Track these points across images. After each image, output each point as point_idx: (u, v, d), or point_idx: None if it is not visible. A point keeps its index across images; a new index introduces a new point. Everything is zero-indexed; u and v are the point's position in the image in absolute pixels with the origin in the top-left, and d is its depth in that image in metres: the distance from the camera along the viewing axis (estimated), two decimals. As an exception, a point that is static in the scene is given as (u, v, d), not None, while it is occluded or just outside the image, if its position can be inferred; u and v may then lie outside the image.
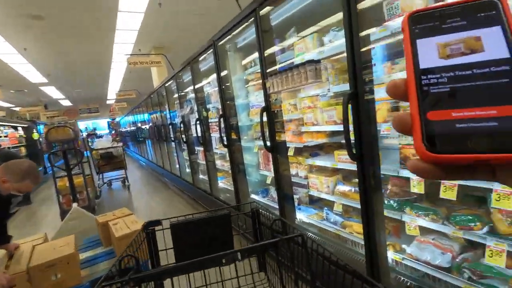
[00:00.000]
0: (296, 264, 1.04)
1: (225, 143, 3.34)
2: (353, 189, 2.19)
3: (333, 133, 2.77)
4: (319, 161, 2.47)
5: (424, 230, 1.75)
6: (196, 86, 4.03)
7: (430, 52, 0.25)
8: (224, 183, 4.30)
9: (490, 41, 0.23)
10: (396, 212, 1.83)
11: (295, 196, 2.75)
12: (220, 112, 3.78)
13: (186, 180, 5.47)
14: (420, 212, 1.70)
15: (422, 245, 1.68)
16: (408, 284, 1.62)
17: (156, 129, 7.44)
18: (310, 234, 2.44)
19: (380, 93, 1.68)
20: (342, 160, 2.21)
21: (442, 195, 1.55)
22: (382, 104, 1.77)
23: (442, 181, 1.54)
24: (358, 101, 1.60)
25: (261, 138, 3.26)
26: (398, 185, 1.92)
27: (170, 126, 5.70)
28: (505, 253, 1.35)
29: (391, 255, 1.80)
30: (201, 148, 4.90)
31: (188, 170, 6.01)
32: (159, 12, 5.69)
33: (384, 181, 1.92)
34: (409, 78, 0.25)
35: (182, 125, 4.77)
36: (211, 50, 3.20)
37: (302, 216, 2.67)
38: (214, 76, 3.87)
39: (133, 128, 14.10)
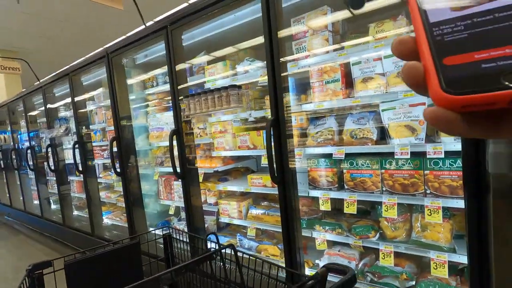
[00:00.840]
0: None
1: (118, 170, 2.85)
2: (266, 212, 2.26)
3: (243, 158, 2.83)
4: (231, 186, 2.44)
5: (330, 243, 1.96)
6: (76, 102, 3.33)
7: (441, 6, 0.24)
8: (111, 218, 3.61)
9: None
10: (306, 230, 1.98)
11: (205, 225, 2.59)
12: (110, 134, 3.24)
13: (51, 220, 4.28)
14: (327, 227, 1.91)
15: (332, 257, 1.87)
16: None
17: (2, 155, 5.62)
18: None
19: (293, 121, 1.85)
20: (255, 184, 2.26)
21: (345, 210, 1.79)
22: (295, 130, 1.94)
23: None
24: (279, 127, 1.70)
25: (160, 164, 2.98)
26: (307, 205, 2.11)
27: (28, 151, 4.42)
28: (393, 254, 1.67)
29: (307, 271, 1.91)
30: (77, 178, 4.01)
31: (55, 206, 4.76)
32: (16, 9, 4.54)
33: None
34: (419, 32, 0.24)
35: (49, 149, 3.79)
36: (103, 62, 2.76)
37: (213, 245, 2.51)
38: (100, 91, 3.33)
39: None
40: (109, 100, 2.87)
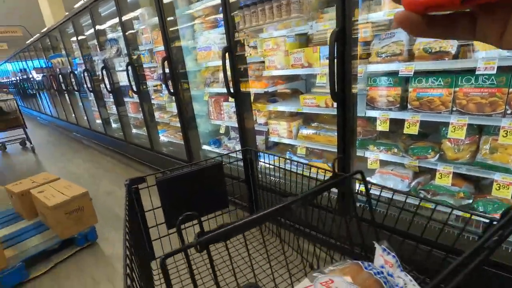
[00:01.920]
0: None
1: (172, 90, 2.97)
2: (317, 132, 2.29)
3: (291, 79, 2.75)
4: (282, 107, 2.45)
5: (382, 163, 1.99)
6: (124, 22, 3.31)
7: None
8: (166, 136, 3.95)
9: None
10: (359, 150, 2.00)
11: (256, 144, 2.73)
12: (158, 55, 3.27)
13: (114, 137, 4.81)
14: (382, 148, 1.91)
15: (384, 175, 1.92)
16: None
17: (62, 78, 6.08)
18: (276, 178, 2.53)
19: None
20: (308, 104, 2.24)
21: (405, 131, 1.74)
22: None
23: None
24: (345, 40, 1.57)
25: (210, 85, 3.02)
26: (361, 125, 2.08)
27: (85, 73, 4.71)
28: (451, 175, 1.65)
29: (357, 187, 2.01)
30: (132, 99, 4.29)
31: (115, 125, 5.28)
32: None
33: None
34: None
35: (104, 72, 3.99)
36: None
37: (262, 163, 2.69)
38: (142, 10, 3.24)
39: (20, 77, 11.23)
40: (156, 19, 2.80)
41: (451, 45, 1.52)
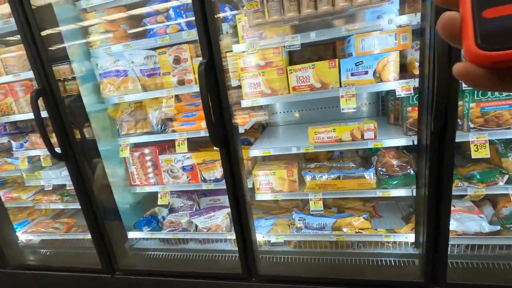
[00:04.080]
0: None
1: (59, 151, 1.59)
2: (339, 176, 1.65)
3: (258, 108, 2.04)
4: (278, 149, 1.67)
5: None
6: None
7: None
8: (35, 231, 2.22)
9: None
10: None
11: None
12: (34, 85, 1.81)
13: None
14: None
15: (456, 215, 1.49)
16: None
17: None
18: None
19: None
20: (323, 141, 1.59)
21: (474, 155, 1.39)
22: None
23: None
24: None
25: (130, 129, 1.84)
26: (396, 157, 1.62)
27: None
28: (528, 196, 1.41)
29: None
30: None
31: None
32: None
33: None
34: None
35: None
36: None
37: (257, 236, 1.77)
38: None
39: None
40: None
41: None
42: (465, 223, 1.43)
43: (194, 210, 1.99)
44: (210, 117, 1.23)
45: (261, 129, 2.24)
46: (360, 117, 2.10)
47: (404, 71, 1.53)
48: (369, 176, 1.60)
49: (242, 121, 1.67)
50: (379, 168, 1.63)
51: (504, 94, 1.35)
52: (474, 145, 1.39)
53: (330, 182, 1.66)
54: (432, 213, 1.31)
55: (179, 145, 1.75)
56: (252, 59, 1.57)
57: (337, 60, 1.46)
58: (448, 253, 1.43)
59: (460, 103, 1.46)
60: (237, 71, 1.62)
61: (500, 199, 1.55)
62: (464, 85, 1.31)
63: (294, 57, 1.85)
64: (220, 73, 1.26)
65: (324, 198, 1.70)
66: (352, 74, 1.46)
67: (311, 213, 1.71)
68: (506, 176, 1.45)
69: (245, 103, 1.61)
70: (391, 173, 1.60)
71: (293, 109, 2.22)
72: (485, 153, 1.38)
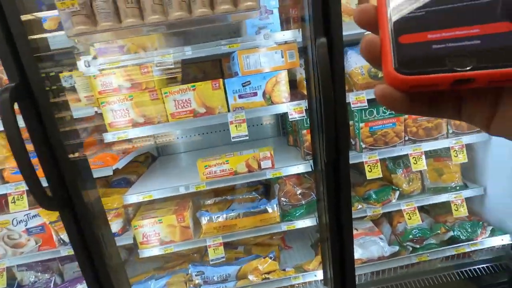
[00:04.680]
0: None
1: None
2: (238, 214, 1.41)
3: (136, 140, 1.67)
4: (160, 190, 1.32)
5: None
6: None
7: None
8: None
9: None
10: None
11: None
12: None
13: None
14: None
15: (359, 240, 1.41)
16: None
17: None
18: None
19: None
20: (216, 175, 1.33)
21: (369, 176, 1.35)
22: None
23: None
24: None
25: None
26: (298, 183, 1.48)
27: None
28: (417, 210, 1.44)
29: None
30: None
31: None
32: None
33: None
34: (381, 3, 0.22)
35: None
36: None
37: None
38: None
39: None
40: None
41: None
42: (369, 248, 1.36)
43: (52, 286, 1.44)
44: (29, 169, 0.81)
45: (149, 161, 1.85)
46: (262, 137, 1.94)
47: (295, 91, 1.42)
48: (272, 209, 1.41)
49: (107, 160, 1.26)
50: (282, 199, 1.46)
51: (388, 112, 1.35)
52: (368, 166, 1.35)
53: (229, 222, 1.40)
54: (337, 248, 1.17)
55: (14, 201, 1.22)
56: (113, 80, 1.20)
57: (221, 80, 1.23)
58: (356, 283, 1.33)
59: (351, 122, 1.42)
60: (94, 94, 1.22)
61: (394, 214, 1.57)
62: (353, 104, 1.26)
63: (178, 76, 1.55)
64: (43, 100, 0.85)
65: (226, 242, 1.42)
66: (240, 97, 1.25)
67: (210, 263, 1.40)
68: (397, 192, 1.46)
69: (110, 136, 1.22)
70: (294, 202, 1.45)
71: (192, 133, 1.91)
72: (377, 173, 1.35)
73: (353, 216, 1.32)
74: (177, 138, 1.92)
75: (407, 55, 0.20)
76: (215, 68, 1.59)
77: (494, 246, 1.40)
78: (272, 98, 1.27)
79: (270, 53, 1.25)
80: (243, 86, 1.24)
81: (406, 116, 1.37)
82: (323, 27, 0.90)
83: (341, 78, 0.96)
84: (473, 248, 1.38)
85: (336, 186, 1.10)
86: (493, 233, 1.41)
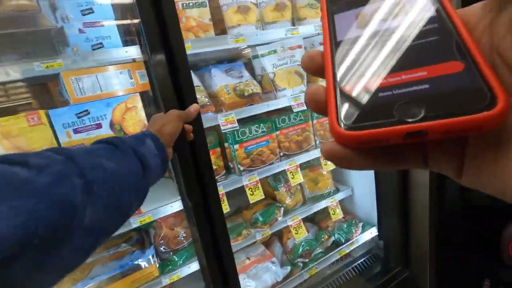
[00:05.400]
0: None
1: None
2: (95, 285, 1.06)
3: None
4: None
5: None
6: None
7: (348, 24, 0.22)
8: None
9: (409, 4, 0.21)
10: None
11: None
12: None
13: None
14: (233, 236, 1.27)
15: (250, 272, 1.28)
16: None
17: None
18: None
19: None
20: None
21: (252, 199, 1.27)
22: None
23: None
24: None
25: None
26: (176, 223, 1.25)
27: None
28: (302, 223, 1.46)
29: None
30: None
31: None
32: None
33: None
34: (325, 50, 0.22)
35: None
36: None
37: None
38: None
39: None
40: None
41: (257, 86, 1.29)
42: (262, 277, 1.27)
43: None
44: None
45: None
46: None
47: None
48: (147, 262, 1.14)
49: None
50: (159, 247, 1.20)
51: (260, 130, 1.31)
52: (249, 189, 1.26)
53: None
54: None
55: None
56: None
57: (41, 112, 0.90)
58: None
59: (226, 145, 1.31)
60: None
61: (284, 231, 1.55)
62: (222, 126, 1.14)
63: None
64: None
65: None
66: (76, 131, 0.94)
67: None
68: (282, 209, 1.44)
69: None
70: (174, 247, 1.21)
71: None
72: (259, 194, 1.28)
73: (243, 245, 1.21)
74: None
75: (353, 107, 0.18)
76: (44, 94, 1.20)
77: (366, 240, 1.54)
78: (124, 128, 1.02)
79: (114, 74, 1.00)
80: (79, 118, 0.94)
81: (278, 132, 1.36)
82: (161, 41, 0.74)
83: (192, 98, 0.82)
84: (351, 248, 1.48)
85: (211, 227, 0.94)
86: (364, 228, 1.55)
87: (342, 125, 0.17)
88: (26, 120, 0.88)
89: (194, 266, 1.20)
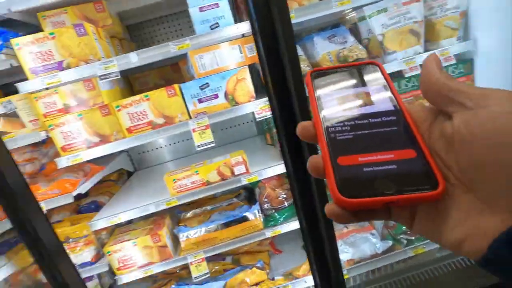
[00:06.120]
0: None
1: None
2: (216, 226, 1.31)
3: (106, 157, 1.56)
4: (129, 211, 1.23)
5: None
6: None
7: (331, 104, 0.27)
8: None
9: (377, 95, 0.27)
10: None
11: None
12: None
13: None
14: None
15: (349, 239, 1.31)
16: None
17: None
18: None
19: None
20: (186, 188, 1.23)
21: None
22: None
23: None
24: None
25: None
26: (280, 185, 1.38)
27: None
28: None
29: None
30: None
31: None
32: None
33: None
34: (317, 125, 0.25)
35: None
36: None
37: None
38: None
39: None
40: None
41: (362, 51, 1.20)
42: (360, 246, 1.27)
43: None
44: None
45: (124, 178, 1.75)
46: (239, 139, 1.83)
47: (262, 88, 1.31)
48: (254, 216, 1.31)
49: (65, 187, 1.15)
50: (263, 204, 1.36)
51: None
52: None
53: (209, 236, 1.31)
54: (318, 250, 1.07)
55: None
56: (57, 99, 1.09)
57: (176, 85, 1.12)
58: (352, 284, 1.24)
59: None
60: (39, 118, 1.12)
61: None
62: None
63: (136, 85, 1.45)
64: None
65: (208, 257, 1.33)
66: (200, 101, 1.14)
67: (194, 280, 1.31)
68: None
69: (64, 161, 1.11)
70: (276, 206, 1.35)
71: (171, 141, 1.79)
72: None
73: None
74: (148, 151, 1.81)
75: (345, 177, 0.22)
76: (176, 73, 1.48)
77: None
78: (235, 98, 1.16)
79: (226, 50, 1.14)
80: (202, 89, 1.13)
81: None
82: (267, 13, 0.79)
83: (294, 62, 0.85)
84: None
85: (304, 181, 0.99)
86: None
87: (340, 192, 0.21)
88: (166, 92, 1.12)
89: (293, 225, 1.31)
